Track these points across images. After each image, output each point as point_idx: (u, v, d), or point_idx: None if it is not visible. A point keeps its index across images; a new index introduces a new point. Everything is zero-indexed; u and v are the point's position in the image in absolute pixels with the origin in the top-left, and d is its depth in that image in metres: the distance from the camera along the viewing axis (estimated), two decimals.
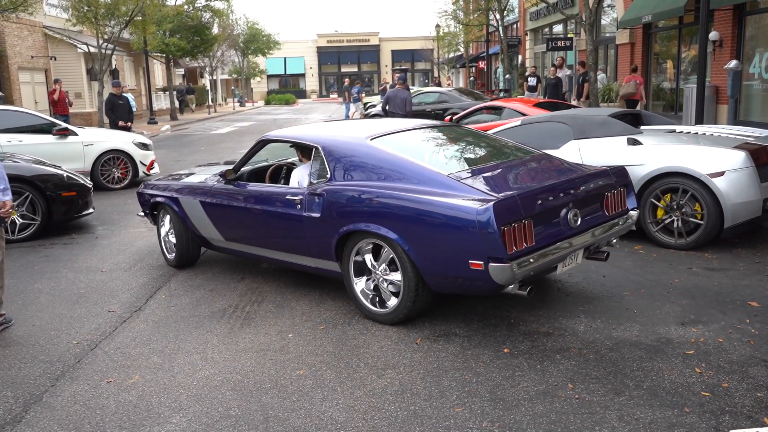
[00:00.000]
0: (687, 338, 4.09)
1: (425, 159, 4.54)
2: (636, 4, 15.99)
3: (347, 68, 65.27)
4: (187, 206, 5.83)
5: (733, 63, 11.94)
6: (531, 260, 3.87)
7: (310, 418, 3.35)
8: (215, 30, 35.64)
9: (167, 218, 6.18)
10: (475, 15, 32.66)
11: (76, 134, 10.88)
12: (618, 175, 4.73)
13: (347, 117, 27.19)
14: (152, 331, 4.60)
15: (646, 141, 6.40)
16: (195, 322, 4.73)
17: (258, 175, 5.85)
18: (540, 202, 4.01)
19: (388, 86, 30.83)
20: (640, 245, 6.20)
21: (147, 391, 3.71)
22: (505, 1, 26.37)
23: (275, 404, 3.50)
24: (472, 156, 4.97)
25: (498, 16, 26.74)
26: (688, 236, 6.01)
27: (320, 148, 4.84)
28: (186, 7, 30.49)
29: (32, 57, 22.71)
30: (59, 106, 17.18)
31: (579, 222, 4.24)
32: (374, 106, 23.81)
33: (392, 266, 4.39)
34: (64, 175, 7.71)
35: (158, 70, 36.26)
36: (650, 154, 6.17)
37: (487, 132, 7.45)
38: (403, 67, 54.67)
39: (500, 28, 26.87)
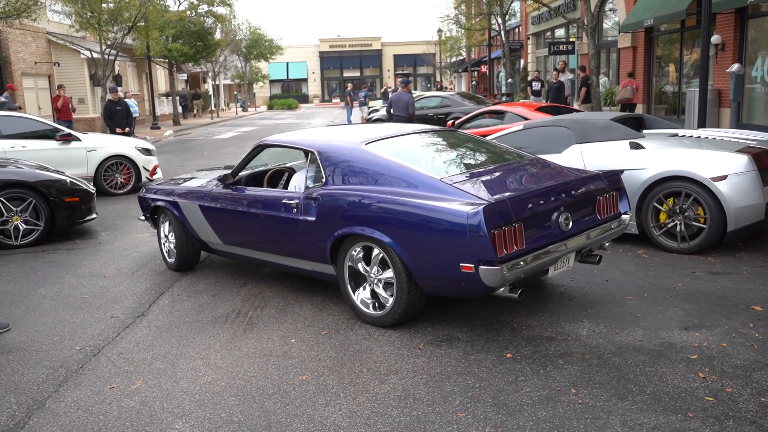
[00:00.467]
0: (690, 343, 4.08)
1: (419, 163, 4.60)
2: (638, 8, 16.00)
3: (349, 73, 65.39)
4: (186, 210, 5.88)
5: (735, 66, 11.93)
6: (521, 263, 3.92)
7: (312, 423, 3.34)
8: (218, 35, 35.77)
9: (167, 222, 6.22)
10: (477, 19, 32.70)
11: (79, 140, 10.91)
12: (610, 179, 4.76)
13: (349, 121, 27.29)
14: (155, 337, 4.60)
15: (649, 145, 6.39)
16: (198, 328, 4.73)
17: (256, 179, 5.90)
18: (531, 205, 4.04)
19: (389, 90, 30.99)
20: (643, 249, 6.19)
21: (150, 396, 3.71)
22: (507, 5, 26.40)
23: (278, 410, 3.49)
24: (465, 160, 5.02)
25: (500, 21, 26.78)
26: (691, 240, 6.00)
27: (316, 153, 4.92)
28: (189, 12, 30.62)
29: (36, 63, 22.79)
30: (62, 111, 17.26)
31: (570, 225, 4.27)
32: (377, 110, 23.87)
33: (385, 267, 4.44)
34: (68, 180, 7.73)
35: (161, 75, 36.40)
36: (653, 158, 6.17)
37: (488, 136, 7.47)
38: (405, 72, 54.77)
39: (502, 33, 26.90)
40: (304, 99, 64.35)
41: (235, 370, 4.00)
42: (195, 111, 38.59)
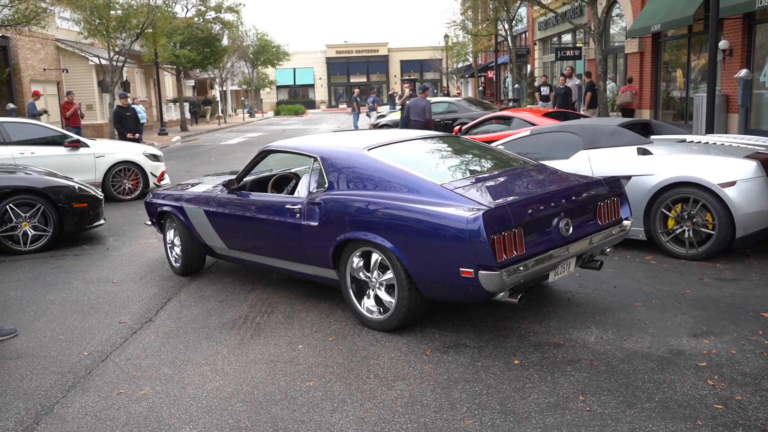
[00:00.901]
0: (699, 350, 4.06)
1: (420, 169, 4.62)
2: (645, 14, 15.98)
3: (356, 78, 65.55)
4: (191, 215, 5.92)
5: (743, 72, 11.90)
6: (521, 268, 3.93)
7: (320, 429, 3.34)
8: (225, 42, 35.95)
9: (173, 227, 6.26)
10: (484, 25, 32.75)
11: (87, 146, 10.97)
12: (611, 184, 4.76)
13: (356, 127, 27.33)
14: (163, 342, 4.61)
15: (657, 151, 6.37)
16: (205, 333, 4.74)
17: (261, 184, 5.94)
18: (530, 211, 4.05)
19: (396, 96, 31.11)
20: (651, 256, 6.16)
21: (157, 402, 3.71)
22: (513, 11, 26.42)
23: (285, 416, 3.49)
24: (466, 166, 5.05)
25: (506, 26, 26.79)
26: (700, 246, 5.97)
27: (319, 159, 4.96)
28: (196, 19, 30.78)
29: (44, 69, 22.94)
30: (71, 118, 17.38)
31: (571, 231, 4.28)
32: (384, 116, 23.89)
33: (385, 270, 4.46)
34: (76, 186, 7.77)
35: (169, 81, 36.57)
36: (660, 163, 6.15)
37: (495, 142, 7.46)
38: (412, 78, 54.85)
39: (509, 38, 26.91)
40: (311, 105, 64.49)
41: (242, 375, 4.00)
42: (206, 116, 38.89)
